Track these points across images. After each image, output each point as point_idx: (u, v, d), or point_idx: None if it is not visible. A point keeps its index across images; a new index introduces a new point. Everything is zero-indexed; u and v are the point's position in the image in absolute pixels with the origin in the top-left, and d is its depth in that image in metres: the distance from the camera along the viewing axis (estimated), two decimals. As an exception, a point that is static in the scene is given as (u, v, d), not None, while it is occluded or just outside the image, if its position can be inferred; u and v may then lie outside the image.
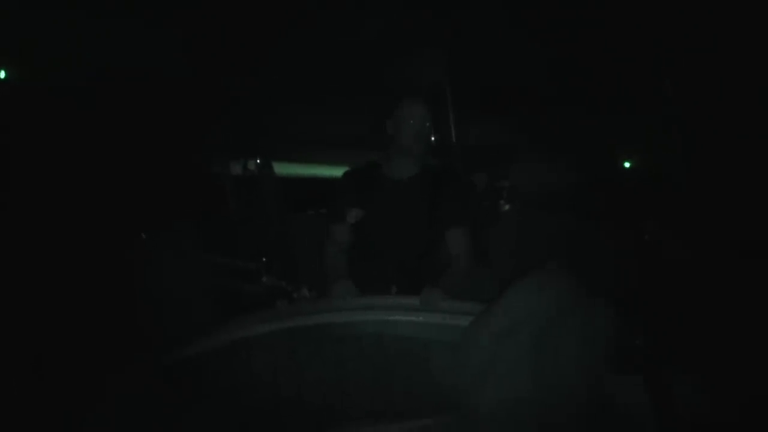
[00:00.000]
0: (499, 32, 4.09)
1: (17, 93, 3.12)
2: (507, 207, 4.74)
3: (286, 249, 2.95)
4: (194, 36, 3.41)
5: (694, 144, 4.33)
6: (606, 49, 4.36)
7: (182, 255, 2.67)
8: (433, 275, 1.87)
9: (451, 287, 1.75)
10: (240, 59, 3.69)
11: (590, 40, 4.26)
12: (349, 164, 2.22)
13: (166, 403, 1.27)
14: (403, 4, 3.76)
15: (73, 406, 1.20)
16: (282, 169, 4.17)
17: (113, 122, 3.27)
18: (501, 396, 1.21)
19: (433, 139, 2.01)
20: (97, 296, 2.17)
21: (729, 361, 1.61)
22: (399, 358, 1.50)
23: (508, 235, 3.63)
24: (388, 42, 3.87)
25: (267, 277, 2.12)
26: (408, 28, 3.84)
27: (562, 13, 3.91)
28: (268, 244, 3.07)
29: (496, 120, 5.26)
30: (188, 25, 3.33)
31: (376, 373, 1.45)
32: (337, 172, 2.21)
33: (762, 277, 2.15)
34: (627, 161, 6.84)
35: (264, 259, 2.30)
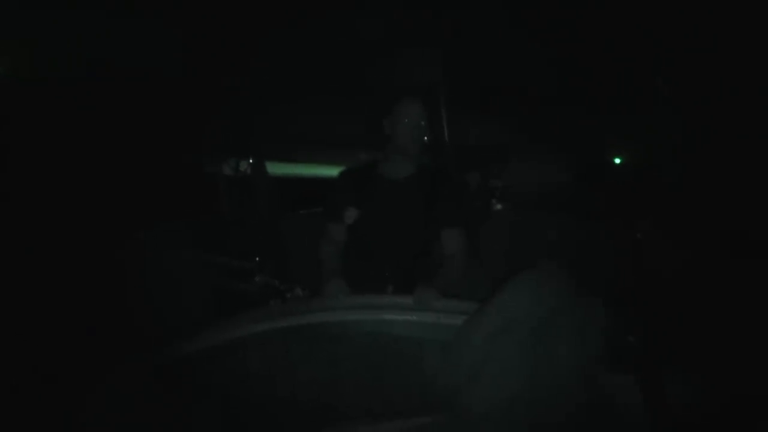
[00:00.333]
0: (493, 31, 4.09)
1: (10, 89, 3.10)
2: (499, 206, 4.75)
3: (280, 248, 2.95)
4: (188, 35, 3.39)
5: (688, 141, 4.36)
6: (599, 48, 4.38)
7: (176, 254, 2.66)
8: (428, 275, 1.88)
9: (446, 287, 1.75)
10: (234, 58, 3.68)
11: (583, 39, 4.27)
12: (343, 164, 2.23)
13: (158, 402, 1.27)
14: (396, 3, 3.76)
15: (65, 405, 1.20)
16: (275, 168, 4.16)
17: (106, 121, 3.25)
18: (494, 395, 1.21)
19: (426, 138, 2.01)
20: (90, 295, 2.16)
21: (723, 359, 1.62)
22: (393, 358, 1.49)
23: (501, 235, 3.65)
24: (383, 41, 3.87)
25: (260, 277, 2.12)
26: (402, 28, 3.83)
27: (555, 11, 3.92)
28: (262, 243, 3.07)
29: (489, 119, 5.27)
30: (182, 24, 3.31)
31: (369, 372, 1.45)
32: (332, 171, 2.22)
33: (756, 275, 2.17)
34: (617, 157, 6.87)
35: (257, 259, 2.30)
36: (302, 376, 1.45)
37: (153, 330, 1.96)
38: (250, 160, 3.60)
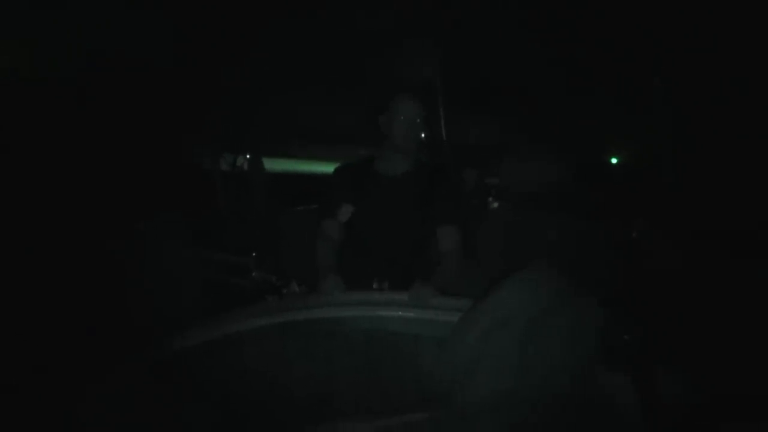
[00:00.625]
0: (492, 29, 4.09)
1: (3, 84, 3.08)
2: (496, 205, 4.77)
3: (276, 244, 2.95)
4: (186, 30, 3.38)
5: (686, 142, 4.37)
6: (596, 48, 4.38)
7: (173, 249, 2.66)
8: (425, 272, 1.88)
9: (442, 284, 1.76)
10: (232, 54, 3.67)
11: (581, 38, 4.28)
12: (340, 160, 2.22)
13: (155, 396, 1.27)
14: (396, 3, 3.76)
15: (64, 402, 1.19)
16: (272, 164, 4.17)
17: (103, 115, 3.24)
18: (489, 392, 1.21)
19: (423, 136, 2.01)
20: (87, 289, 2.16)
21: (719, 358, 1.63)
22: (389, 354, 1.50)
23: (497, 233, 3.66)
24: (381, 38, 3.87)
25: (257, 272, 2.12)
26: (401, 25, 3.83)
27: (555, 11, 3.92)
28: (258, 239, 3.07)
29: (487, 118, 5.28)
30: (180, 18, 3.30)
31: (365, 368, 1.46)
32: (328, 168, 2.21)
33: (752, 275, 2.18)
34: (614, 157, 6.88)
35: (254, 254, 2.30)
36: (298, 372, 1.45)
37: (149, 325, 1.96)
38: (248, 156, 3.60)
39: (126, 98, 3.33)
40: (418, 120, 1.96)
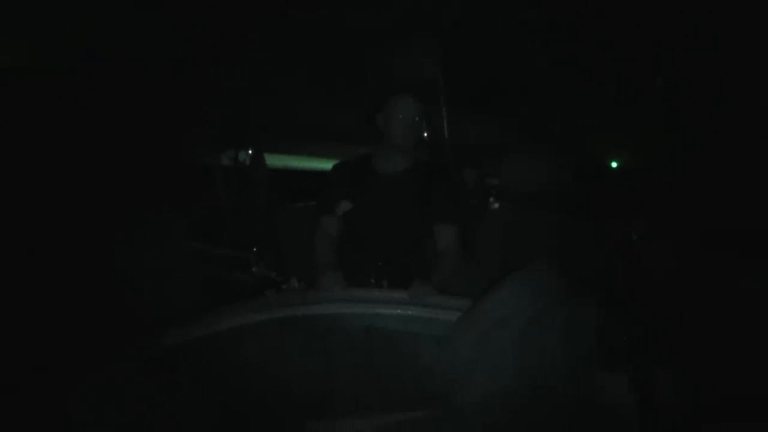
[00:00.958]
0: (492, 29, 4.09)
1: (10, 82, 3.07)
2: (496, 205, 4.76)
3: (276, 240, 2.95)
4: (187, 25, 3.38)
5: (686, 142, 4.37)
6: (597, 48, 4.38)
7: (173, 244, 2.65)
8: (423, 270, 1.88)
9: (441, 283, 1.76)
10: (233, 49, 3.67)
11: (582, 38, 4.28)
12: (340, 157, 2.22)
13: (154, 391, 1.27)
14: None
15: (61, 397, 1.19)
16: (273, 160, 4.16)
17: (102, 110, 3.24)
18: (488, 390, 1.22)
19: (426, 135, 2.00)
20: (86, 285, 2.16)
21: (716, 358, 1.63)
22: (387, 351, 1.50)
23: (497, 233, 3.65)
24: (382, 36, 3.87)
25: (257, 268, 2.12)
26: (402, 23, 3.83)
27: (554, 11, 3.92)
28: (259, 234, 3.07)
29: (488, 118, 5.28)
30: (181, 14, 3.29)
31: (365, 365, 1.46)
32: (328, 164, 2.21)
33: (750, 275, 2.18)
34: (614, 161, 6.88)
35: (254, 250, 2.30)
36: (297, 368, 1.45)
37: (149, 320, 1.96)
38: (249, 152, 3.60)
39: (126, 94, 3.33)
40: (417, 119, 1.96)
